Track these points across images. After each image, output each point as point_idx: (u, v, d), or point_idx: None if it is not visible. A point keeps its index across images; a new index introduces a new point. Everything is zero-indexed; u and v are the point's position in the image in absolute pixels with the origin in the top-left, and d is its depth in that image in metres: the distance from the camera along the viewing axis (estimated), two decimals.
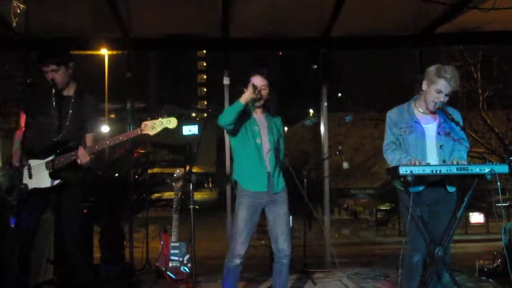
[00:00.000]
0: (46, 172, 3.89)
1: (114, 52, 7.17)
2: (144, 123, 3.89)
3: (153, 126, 3.87)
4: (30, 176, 3.89)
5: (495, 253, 6.04)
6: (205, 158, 34.25)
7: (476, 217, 19.18)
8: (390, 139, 4.03)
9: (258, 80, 4.14)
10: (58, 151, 3.92)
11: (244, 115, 4.13)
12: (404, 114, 4.02)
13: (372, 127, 16.61)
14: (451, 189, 3.95)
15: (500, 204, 6.18)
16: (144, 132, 3.89)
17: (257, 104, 4.17)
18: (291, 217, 4.51)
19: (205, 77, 64.18)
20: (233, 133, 4.16)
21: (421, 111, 3.99)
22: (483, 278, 5.69)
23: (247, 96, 4.00)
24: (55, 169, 3.90)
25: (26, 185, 3.79)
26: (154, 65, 48.25)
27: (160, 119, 3.89)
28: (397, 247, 4.27)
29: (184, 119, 34.60)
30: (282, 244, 4.12)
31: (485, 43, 9.61)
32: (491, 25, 6.27)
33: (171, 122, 3.90)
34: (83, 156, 3.88)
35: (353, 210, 27.42)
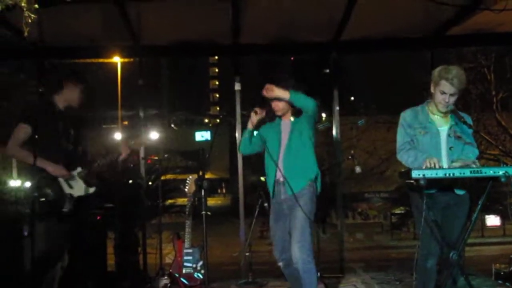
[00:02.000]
0: (81, 181, 4.14)
1: (126, 60, 7.19)
2: None
3: None
4: (71, 186, 4.08)
5: (511, 256, 5.98)
6: (218, 163, 34.28)
7: (492, 220, 19.01)
8: (404, 139, 4.01)
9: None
10: (82, 162, 4.18)
11: (272, 125, 4.28)
12: (419, 116, 4.01)
13: (385, 131, 16.53)
14: (460, 192, 3.92)
15: None
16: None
17: (279, 114, 4.24)
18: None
19: (217, 83, 64.39)
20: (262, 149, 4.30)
21: (434, 113, 4.00)
22: (500, 281, 5.61)
23: (252, 120, 4.21)
24: (88, 178, 4.18)
25: (71, 195, 4.05)
26: (166, 72, 48.48)
27: None
28: (412, 251, 4.24)
29: (196, 125, 34.75)
30: (293, 249, 4.06)
31: (497, 44, 9.53)
32: (503, 26, 6.20)
33: None
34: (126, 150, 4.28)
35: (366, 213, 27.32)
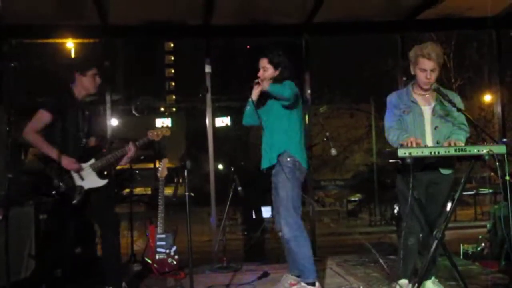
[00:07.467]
0: (94, 174, 4.14)
1: (86, 41, 6.86)
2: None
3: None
4: (82, 179, 4.10)
5: (480, 237, 6.10)
6: (175, 152, 33.84)
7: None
8: (392, 119, 4.03)
9: (260, 63, 4.28)
10: (98, 154, 4.19)
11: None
12: (403, 97, 4.08)
13: (348, 117, 16.64)
14: (446, 171, 3.95)
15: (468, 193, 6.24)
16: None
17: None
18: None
19: (173, 71, 63.48)
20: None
21: (418, 93, 4.02)
22: (468, 261, 5.71)
23: (256, 90, 4.23)
24: (102, 170, 4.19)
25: (82, 187, 4.07)
26: (121, 59, 47.30)
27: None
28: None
29: (156, 113, 34.49)
30: (278, 226, 4.28)
31: (466, 28, 9.61)
32: (471, 11, 6.32)
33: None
34: (134, 150, 4.28)
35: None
